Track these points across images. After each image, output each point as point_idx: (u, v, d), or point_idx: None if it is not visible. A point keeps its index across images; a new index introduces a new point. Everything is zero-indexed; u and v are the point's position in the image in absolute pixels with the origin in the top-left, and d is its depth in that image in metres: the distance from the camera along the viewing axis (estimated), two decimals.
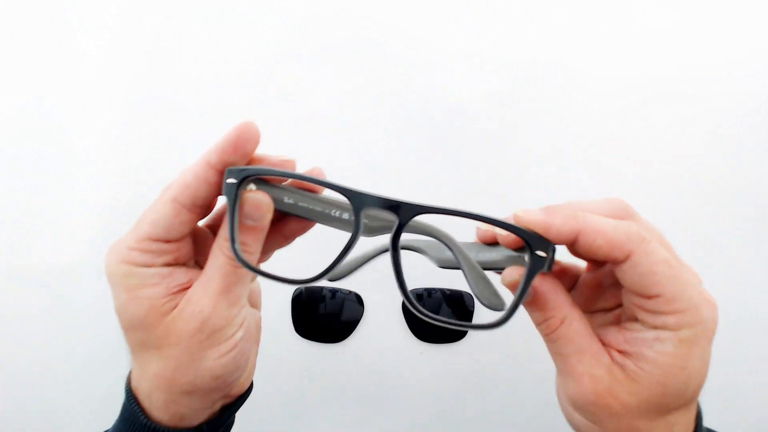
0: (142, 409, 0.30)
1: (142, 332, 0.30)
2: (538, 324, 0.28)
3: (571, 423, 0.29)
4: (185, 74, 0.54)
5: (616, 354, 0.27)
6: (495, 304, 0.30)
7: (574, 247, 0.27)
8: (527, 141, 0.52)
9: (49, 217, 0.55)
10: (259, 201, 0.29)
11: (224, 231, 0.29)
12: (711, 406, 0.51)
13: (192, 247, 0.32)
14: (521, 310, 0.28)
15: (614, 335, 0.28)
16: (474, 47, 0.52)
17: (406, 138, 0.53)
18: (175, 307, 0.29)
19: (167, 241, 0.30)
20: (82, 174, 0.55)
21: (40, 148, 0.55)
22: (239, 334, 0.30)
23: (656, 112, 0.51)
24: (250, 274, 0.29)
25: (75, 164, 0.55)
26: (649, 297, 0.26)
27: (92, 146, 0.55)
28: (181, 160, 0.52)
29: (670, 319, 0.26)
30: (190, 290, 0.29)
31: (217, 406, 0.32)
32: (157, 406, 0.30)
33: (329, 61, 0.53)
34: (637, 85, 0.51)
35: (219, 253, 0.29)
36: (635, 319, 0.27)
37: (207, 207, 0.31)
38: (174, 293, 0.29)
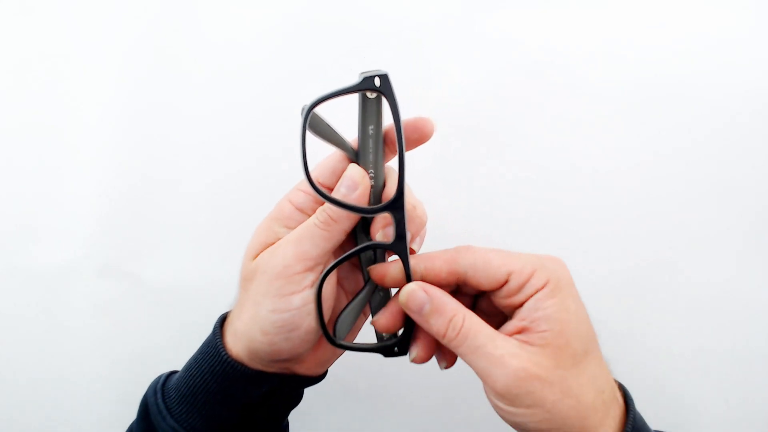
0: (223, 344, 0.34)
1: (244, 261, 0.34)
2: (444, 332, 0.30)
3: (515, 424, 0.30)
4: (183, 74, 0.54)
5: (518, 336, 0.30)
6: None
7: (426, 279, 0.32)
8: (527, 141, 0.52)
9: (48, 217, 0.55)
10: (352, 175, 0.32)
11: (318, 213, 0.32)
12: (712, 405, 0.51)
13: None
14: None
15: (507, 326, 0.31)
16: (474, 47, 0.52)
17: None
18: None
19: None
20: (81, 172, 0.55)
21: (39, 147, 0.55)
22: (296, 301, 0.31)
23: (658, 112, 0.51)
24: (324, 239, 0.32)
25: (73, 163, 0.55)
26: (506, 281, 0.30)
27: (90, 145, 0.55)
28: (178, 159, 0.52)
29: (532, 282, 0.30)
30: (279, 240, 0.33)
31: (274, 369, 0.34)
32: (234, 345, 0.34)
33: (327, 63, 0.53)
34: (638, 86, 0.51)
35: (310, 218, 0.32)
36: (512, 312, 0.31)
37: None
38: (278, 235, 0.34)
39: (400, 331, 0.34)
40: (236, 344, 0.33)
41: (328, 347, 0.35)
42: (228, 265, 0.54)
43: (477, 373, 0.30)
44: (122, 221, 0.55)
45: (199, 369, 0.34)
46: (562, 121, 0.51)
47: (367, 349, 0.34)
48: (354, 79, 0.31)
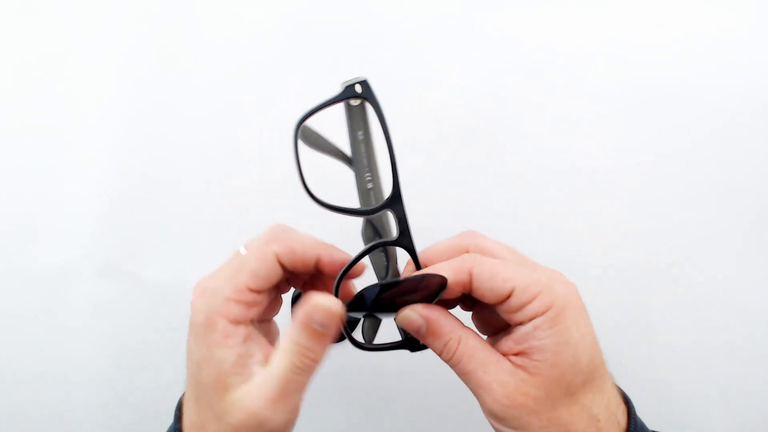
0: None
1: (206, 399, 0.30)
2: (440, 353, 0.31)
3: None
4: (183, 74, 0.54)
5: (514, 358, 0.30)
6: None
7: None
8: (527, 141, 0.52)
9: (48, 217, 0.55)
10: (329, 308, 0.30)
11: (294, 334, 0.30)
12: (712, 406, 0.51)
13: (270, 306, 0.34)
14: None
15: (506, 344, 0.31)
16: (474, 47, 0.52)
17: (406, 138, 0.53)
18: (239, 382, 0.30)
19: (259, 292, 0.32)
20: (81, 172, 0.55)
21: (39, 147, 0.55)
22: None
23: (658, 112, 0.51)
24: (308, 381, 0.30)
25: (73, 163, 0.55)
26: (508, 296, 0.30)
27: (90, 145, 0.55)
28: (178, 159, 0.52)
29: (534, 305, 0.29)
30: (249, 385, 0.30)
31: None
32: None
33: (327, 63, 0.53)
34: (638, 86, 0.51)
35: (287, 353, 0.30)
36: (513, 326, 0.30)
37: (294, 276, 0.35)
38: (242, 363, 0.30)
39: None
40: None
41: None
42: None
43: (471, 390, 0.31)
44: (122, 221, 0.55)
45: None
46: (562, 121, 0.51)
47: (394, 347, 0.35)
48: (337, 90, 0.32)
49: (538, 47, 0.51)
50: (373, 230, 0.35)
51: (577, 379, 0.29)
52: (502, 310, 0.31)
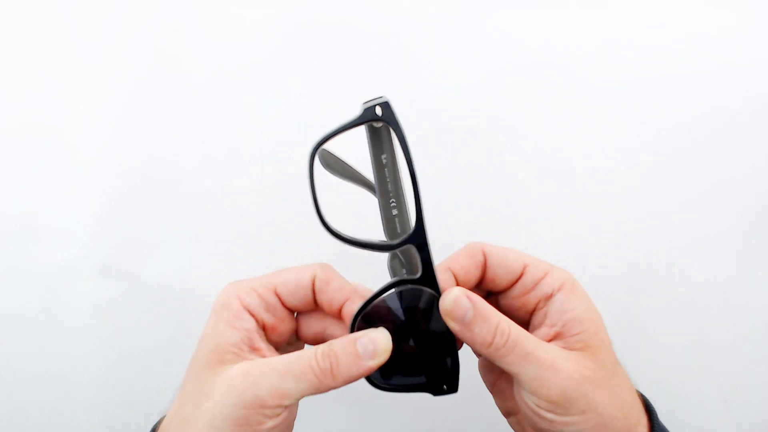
0: None
1: (197, 368, 0.29)
2: (489, 339, 0.28)
3: None
4: (183, 74, 0.54)
5: (553, 342, 0.29)
6: None
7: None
8: (527, 141, 0.52)
9: (48, 217, 0.55)
10: (377, 339, 0.29)
11: (336, 341, 0.29)
12: (712, 406, 0.51)
13: (285, 340, 0.32)
14: None
15: (540, 332, 0.30)
16: (474, 47, 0.52)
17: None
18: (237, 361, 0.29)
19: (281, 304, 0.31)
20: (81, 172, 0.55)
21: (39, 147, 0.55)
22: (270, 423, 0.28)
23: (658, 112, 0.51)
24: (313, 388, 0.28)
25: (73, 163, 0.55)
26: (521, 274, 0.30)
27: (90, 145, 0.55)
28: (178, 159, 0.52)
29: (549, 280, 0.30)
30: (258, 360, 0.29)
31: None
32: None
33: (327, 63, 0.53)
34: (638, 86, 0.51)
35: (311, 349, 0.29)
36: (533, 312, 0.31)
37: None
38: (242, 349, 0.29)
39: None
40: None
41: None
42: (228, 265, 0.55)
43: (525, 383, 0.28)
44: (122, 221, 0.55)
45: None
46: (562, 121, 0.51)
47: (415, 389, 0.32)
48: (356, 111, 0.30)
49: (538, 47, 0.51)
50: (400, 261, 0.33)
51: (611, 346, 0.29)
52: (514, 294, 0.31)
